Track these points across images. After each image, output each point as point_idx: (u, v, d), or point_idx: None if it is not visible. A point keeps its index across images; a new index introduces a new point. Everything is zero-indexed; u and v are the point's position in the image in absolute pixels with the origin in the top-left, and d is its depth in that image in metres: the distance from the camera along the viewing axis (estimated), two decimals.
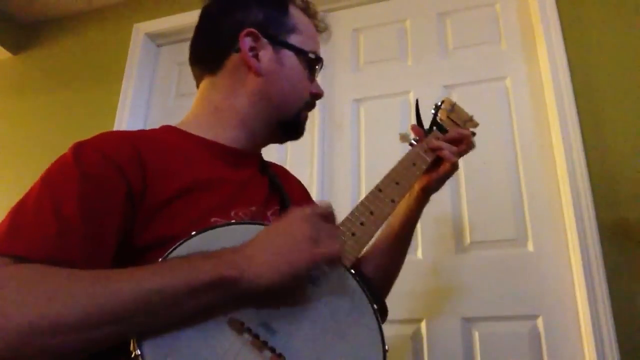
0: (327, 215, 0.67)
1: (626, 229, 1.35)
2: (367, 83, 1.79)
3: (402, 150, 1.80)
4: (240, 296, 0.58)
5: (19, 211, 0.61)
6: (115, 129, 1.97)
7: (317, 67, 0.88)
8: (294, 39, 0.85)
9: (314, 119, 1.73)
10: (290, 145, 1.73)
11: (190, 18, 2.07)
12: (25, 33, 2.45)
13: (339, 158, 1.73)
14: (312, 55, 0.86)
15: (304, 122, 0.90)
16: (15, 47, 2.41)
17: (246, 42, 0.82)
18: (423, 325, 1.45)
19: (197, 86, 0.90)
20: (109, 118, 2.02)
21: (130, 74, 2.09)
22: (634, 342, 1.25)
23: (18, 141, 2.20)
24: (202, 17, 0.90)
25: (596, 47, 1.55)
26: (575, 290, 1.35)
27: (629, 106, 1.46)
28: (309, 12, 0.91)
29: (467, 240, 1.51)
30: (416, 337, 1.44)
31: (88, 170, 0.64)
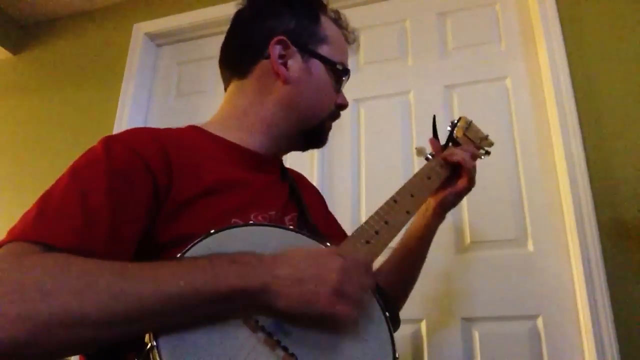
0: (366, 269, 0.66)
1: (626, 229, 1.35)
2: (367, 83, 1.79)
3: (402, 150, 1.80)
4: (258, 304, 0.58)
5: (46, 200, 0.61)
6: (115, 128, 1.97)
7: (343, 78, 0.89)
8: (323, 50, 0.86)
9: None
10: None
11: (190, 18, 2.10)
12: (25, 33, 2.45)
13: (339, 158, 1.73)
14: (339, 67, 0.87)
15: (328, 132, 0.91)
16: (15, 47, 2.41)
17: (276, 49, 0.83)
18: (423, 325, 1.45)
19: (225, 88, 0.91)
20: (109, 118, 2.02)
21: (130, 74, 2.08)
22: (634, 342, 1.25)
23: (18, 141, 2.20)
24: (235, 21, 0.91)
25: (596, 47, 1.55)
26: (575, 290, 1.35)
27: (629, 106, 1.46)
28: (340, 23, 0.92)
29: (467, 240, 1.51)
30: (416, 337, 1.44)
31: (117, 165, 0.65)
